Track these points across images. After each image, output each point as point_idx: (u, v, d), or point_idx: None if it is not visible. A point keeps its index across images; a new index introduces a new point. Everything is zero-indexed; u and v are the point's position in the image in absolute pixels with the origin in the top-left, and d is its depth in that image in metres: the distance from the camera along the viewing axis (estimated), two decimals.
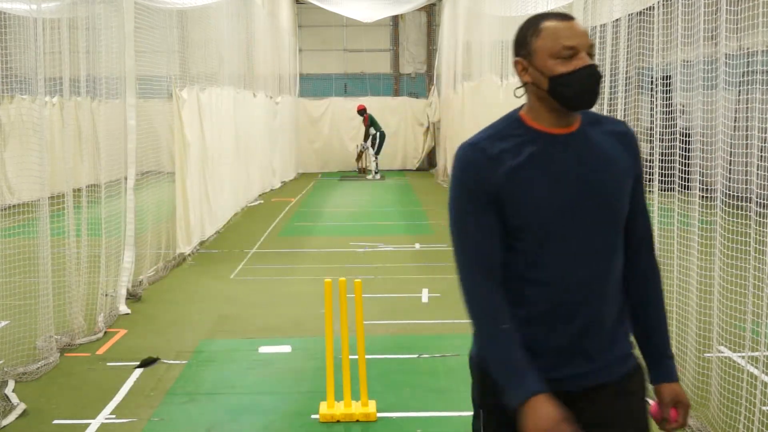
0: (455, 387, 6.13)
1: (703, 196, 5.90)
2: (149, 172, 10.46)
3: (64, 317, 7.31)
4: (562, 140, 2.45)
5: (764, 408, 4.75)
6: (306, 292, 9.24)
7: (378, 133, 24.14)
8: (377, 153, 24.28)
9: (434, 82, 26.63)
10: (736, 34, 5.45)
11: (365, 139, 24.39)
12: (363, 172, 25.04)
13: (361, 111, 24.52)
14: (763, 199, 4.91)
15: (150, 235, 10.13)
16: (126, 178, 9.22)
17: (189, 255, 11.25)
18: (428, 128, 26.81)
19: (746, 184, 4.91)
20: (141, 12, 9.64)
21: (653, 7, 6.93)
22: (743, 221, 4.99)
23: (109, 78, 8.91)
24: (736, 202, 5.29)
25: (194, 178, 11.80)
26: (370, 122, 24.19)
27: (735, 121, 6.25)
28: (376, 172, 24.13)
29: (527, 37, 2.41)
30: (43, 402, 5.86)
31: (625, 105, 7.74)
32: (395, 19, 27.39)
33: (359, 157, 24.91)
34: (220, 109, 13.89)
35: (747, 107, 6.10)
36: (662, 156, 6.46)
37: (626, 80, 7.62)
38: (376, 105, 26.61)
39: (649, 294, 2.66)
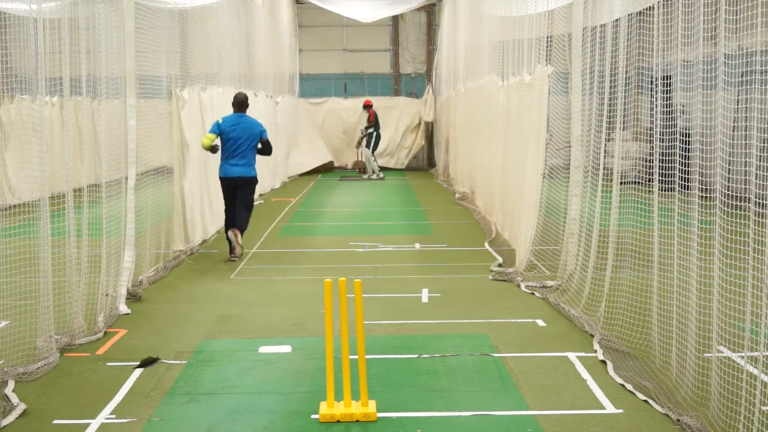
0: (455, 387, 6.13)
1: (702, 196, 5.90)
2: (148, 171, 10.47)
3: (64, 317, 7.32)
4: None
5: (764, 408, 4.76)
6: (306, 292, 9.24)
7: (376, 133, 24.09)
8: (374, 151, 24.20)
9: (432, 81, 26.64)
10: (736, 34, 5.45)
11: (367, 128, 24.10)
12: (362, 171, 25.03)
13: (368, 106, 24.32)
14: (763, 199, 4.91)
15: (150, 235, 10.14)
16: (126, 178, 9.23)
17: (186, 254, 11.25)
18: (418, 124, 26.82)
19: (745, 184, 4.92)
20: (141, 12, 9.65)
21: (653, 7, 6.94)
22: (742, 221, 5.00)
23: (109, 78, 8.91)
24: (735, 202, 5.29)
25: (193, 177, 11.80)
26: (375, 119, 24.07)
27: (734, 121, 6.25)
28: (377, 172, 24.09)
29: None
30: (43, 402, 5.87)
31: (625, 105, 7.75)
32: (395, 19, 27.40)
33: (359, 143, 24.62)
34: (221, 109, 13.88)
35: (746, 107, 6.11)
36: (662, 156, 6.47)
37: (626, 80, 7.62)
38: (375, 105, 26.63)
39: None
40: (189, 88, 11.73)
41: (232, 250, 11.10)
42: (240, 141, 10.80)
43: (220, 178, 11.04)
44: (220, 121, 11.00)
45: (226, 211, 11.18)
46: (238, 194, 10.89)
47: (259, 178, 11.59)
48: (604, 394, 5.90)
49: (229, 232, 10.89)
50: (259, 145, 11.10)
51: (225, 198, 11.15)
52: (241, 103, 11.07)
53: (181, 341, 7.37)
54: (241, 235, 10.99)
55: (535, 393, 5.96)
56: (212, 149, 10.88)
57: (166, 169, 11.18)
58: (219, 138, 10.91)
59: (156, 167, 10.84)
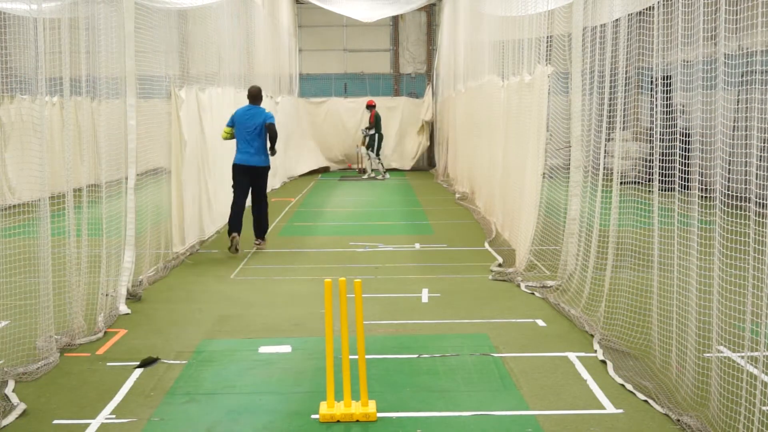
0: (455, 387, 6.13)
1: (702, 196, 5.90)
2: (148, 171, 10.47)
3: (64, 317, 7.32)
4: None
5: (764, 408, 4.76)
6: (306, 292, 9.24)
7: (378, 135, 24.08)
8: (378, 153, 24.20)
9: (431, 81, 26.62)
10: (736, 34, 5.45)
11: (368, 129, 24.09)
12: (362, 172, 25.03)
13: (371, 106, 24.32)
14: (763, 199, 4.91)
15: (149, 234, 10.14)
16: (126, 178, 9.23)
17: (184, 254, 11.24)
18: (422, 126, 26.79)
19: (746, 184, 4.92)
20: (141, 12, 9.65)
21: (653, 7, 6.94)
22: (743, 221, 5.00)
23: (109, 78, 8.91)
24: (735, 202, 5.29)
25: (191, 177, 11.79)
26: (376, 120, 24.07)
27: (734, 121, 6.25)
28: (382, 173, 24.08)
29: None
30: (43, 402, 5.87)
31: (625, 105, 7.75)
32: (395, 19, 27.40)
33: (364, 142, 24.58)
34: (221, 109, 13.89)
35: (746, 107, 6.11)
36: (662, 156, 6.47)
37: (626, 80, 7.62)
38: (377, 105, 26.61)
39: None
40: (187, 88, 11.73)
41: (232, 247, 11.50)
42: (249, 129, 11.73)
43: (234, 164, 11.84)
44: (234, 113, 12.02)
45: (234, 204, 11.70)
46: (253, 183, 11.81)
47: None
48: (604, 394, 5.90)
49: (255, 242, 11.95)
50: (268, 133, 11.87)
51: (235, 185, 11.82)
52: (254, 96, 12.00)
53: (181, 341, 7.37)
54: (266, 226, 12.10)
55: (535, 393, 5.96)
56: (233, 138, 12.00)
57: (164, 171, 11.17)
58: (235, 129, 11.90)
59: (154, 168, 10.82)
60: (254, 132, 11.71)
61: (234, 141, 12.00)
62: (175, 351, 7.06)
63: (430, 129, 27.15)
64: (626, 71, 7.57)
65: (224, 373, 6.50)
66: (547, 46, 9.83)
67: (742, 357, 5.41)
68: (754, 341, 5.19)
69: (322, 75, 27.67)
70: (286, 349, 7.14)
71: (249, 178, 11.77)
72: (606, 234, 7.66)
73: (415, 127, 26.99)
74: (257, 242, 11.96)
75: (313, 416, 5.56)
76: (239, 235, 11.54)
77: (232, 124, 11.89)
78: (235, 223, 11.56)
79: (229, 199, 14.06)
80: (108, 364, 6.74)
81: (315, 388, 6.08)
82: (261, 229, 11.97)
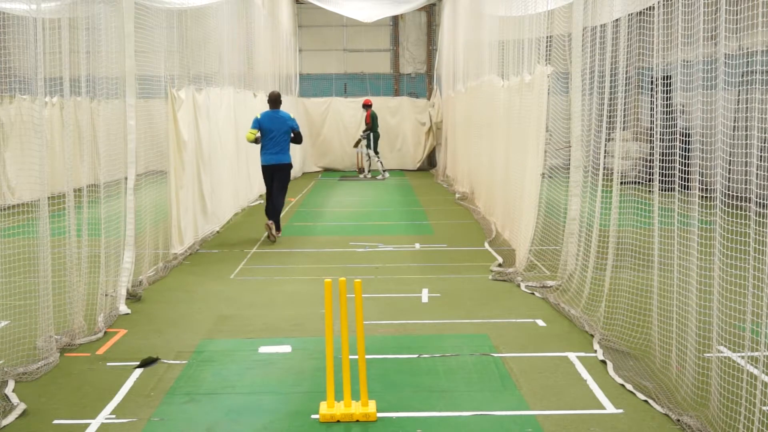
0: (455, 387, 6.13)
1: (702, 196, 5.90)
2: (147, 172, 10.46)
3: (64, 317, 7.32)
4: None
5: (764, 408, 4.76)
6: (306, 292, 9.24)
7: (373, 134, 24.06)
8: (376, 151, 24.17)
9: (435, 82, 26.62)
10: (736, 34, 5.45)
11: (364, 131, 24.12)
12: (361, 171, 25.03)
13: (368, 106, 24.31)
14: (763, 199, 4.91)
15: (149, 235, 10.13)
16: (126, 179, 9.22)
17: (183, 254, 11.23)
18: (430, 128, 26.78)
19: (746, 184, 4.92)
20: (141, 12, 9.64)
21: (653, 7, 6.94)
22: (743, 221, 5.00)
23: (108, 78, 8.90)
24: (735, 202, 5.29)
25: (188, 178, 11.78)
26: (372, 120, 24.05)
27: (735, 121, 6.25)
28: (382, 172, 24.06)
29: None
30: (43, 402, 5.87)
31: (625, 105, 7.75)
32: (395, 19, 27.40)
33: (357, 143, 24.62)
34: (220, 109, 13.89)
35: (746, 107, 6.11)
36: (662, 156, 6.47)
37: (626, 80, 7.62)
38: (376, 105, 26.61)
39: None
40: (185, 88, 11.72)
41: (269, 235, 12.73)
42: (275, 132, 12.73)
43: (262, 165, 12.93)
44: (259, 116, 12.91)
45: (267, 197, 13.01)
46: (276, 177, 12.84)
47: (259, 177, 12.79)
48: (604, 394, 5.90)
49: (268, 223, 12.75)
50: (292, 135, 12.95)
51: (266, 184, 13.06)
52: (274, 100, 12.96)
53: (181, 341, 7.36)
54: (279, 215, 12.90)
55: (535, 393, 5.96)
56: (255, 141, 12.84)
57: (162, 172, 11.15)
58: (259, 131, 12.71)
59: (154, 170, 10.81)
60: (280, 135, 12.73)
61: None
62: (175, 351, 7.06)
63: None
64: (626, 71, 7.57)
65: (224, 373, 6.50)
66: (547, 46, 9.84)
67: (742, 357, 5.42)
68: (754, 341, 5.19)
69: (322, 75, 27.67)
70: (286, 349, 7.14)
71: (276, 174, 12.81)
72: (606, 234, 7.66)
73: (418, 128, 26.95)
74: (268, 225, 12.64)
75: (313, 416, 5.56)
76: (274, 223, 12.76)
77: (258, 126, 12.72)
78: (269, 213, 12.83)
79: (228, 200, 14.14)
80: (108, 364, 6.74)
81: (315, 388, 6.08)
82: (275, 217, 12.78)
